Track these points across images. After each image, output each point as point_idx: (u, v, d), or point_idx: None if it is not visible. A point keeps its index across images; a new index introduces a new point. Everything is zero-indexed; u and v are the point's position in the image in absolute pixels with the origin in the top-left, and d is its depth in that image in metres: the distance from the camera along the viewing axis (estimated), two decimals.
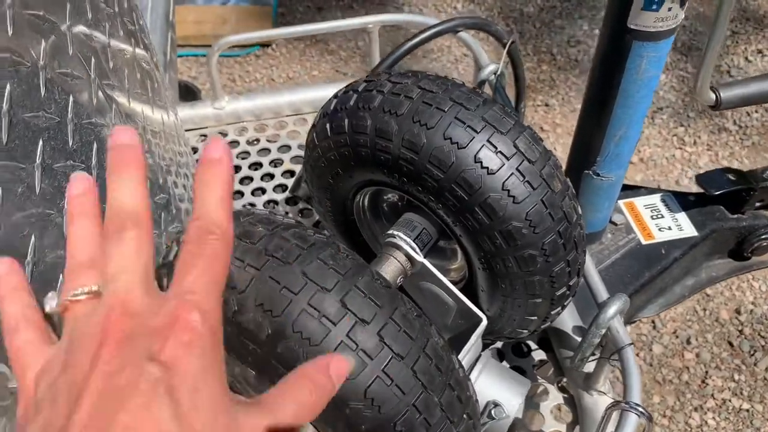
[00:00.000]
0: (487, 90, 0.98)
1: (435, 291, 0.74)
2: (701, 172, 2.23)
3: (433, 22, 1.05)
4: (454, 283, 0.78)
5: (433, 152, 0.61)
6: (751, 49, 2.77)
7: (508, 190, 0.60)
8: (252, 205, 1.04)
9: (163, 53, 1.29)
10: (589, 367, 0.75)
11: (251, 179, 1.08)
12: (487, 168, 0.60)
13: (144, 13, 1.37)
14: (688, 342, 1.81)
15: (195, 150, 1.13)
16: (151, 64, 0.82)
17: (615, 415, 0.64)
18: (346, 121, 0.67)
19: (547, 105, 2.53)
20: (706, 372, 1.75)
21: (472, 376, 0.70)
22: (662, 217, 1.00)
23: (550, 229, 0.61)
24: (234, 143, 1.14)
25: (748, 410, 1.68)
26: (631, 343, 0.67)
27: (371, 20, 1.09)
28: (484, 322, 0.71)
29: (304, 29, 1.10)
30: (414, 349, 0.50)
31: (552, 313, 0.70)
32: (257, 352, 0.50)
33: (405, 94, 0.64)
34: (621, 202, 1.01)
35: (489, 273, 0.67)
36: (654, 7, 0.65)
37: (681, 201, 1.02)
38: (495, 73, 0.96)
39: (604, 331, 0.68)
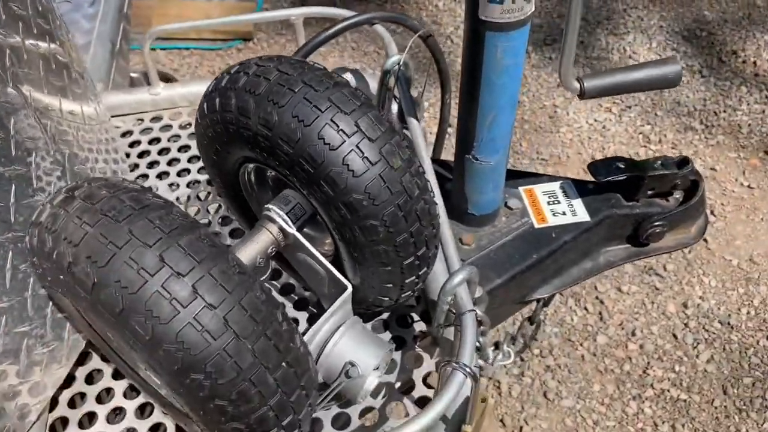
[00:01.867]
0: (392, 79, 1.03)
1: (309, 262, 0.80)
2: None
3: (351, 14, 1.11)
4: (327, 254, 0.84)
5: (282, 129, 0.67)
6: (726, 50, 2.79)
7: (348, 165, 0.66)
8: (177, 185, 1.10)
9: (111, 42, 1.36)
10: (449, 334, 0.80)
11: (178, 161, 1.14)
12: (329, 144, 0.66)
13: (97, 4, 1.44)
14: (633, 333, 1.85)
15: (130, 132, 1.20)
16: (68, 58, 0.89)
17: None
18: (217, 100, 0.73)
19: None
20: (648, 363, 1.80)
21: (334, 338, 0.76)
22: (558, 203, 1.05)
23: (389, 202, 0.67)
24: (167, 127, 1.20)
25: (685, 400, 1.72)
26: (473, 310, 0.73)
27: (295, 12, 1.15)
28: (349, 289, 0.77)
29: (231, 20, 1.16)
30: (228, 300, 0.56)
31: (407, 281, 0.76)
32: (87, 299, 0.57)
33: (264, 75, 0.70)
34: (521, 189, 1.07)
35: (343, 243, 0.73)
36: (498, 0, 0.71)
37: (579, 188, 1.07)
38: (398, 64, 1.01)
39: (450, 298, 0.73)
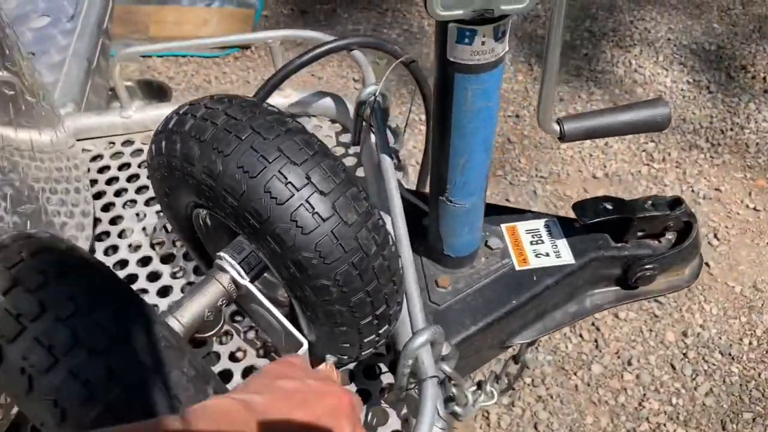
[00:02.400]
0: (367, 111, 0.98)
1: (264, 314, 0.75)
2: (665, 189, 2.20)
3: (329, 38, 1.06)
4: (285, 304, 0.79)
5: (227, 180, 0.62)
6: (735, 65, 2.72)
7: (296, 221, 0.61)
8: (144, 214, 1.06)
9: (88, 60, 1.31)
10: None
11: (147, 188, 1.09)
12: (276, 198, 0.61)
13: (76, 19, 1.40)
14: (630, 363, 1.79)
15: (101, 156, 1.15)
16: (17, 89, 0.84)
17: None
18: (163, 143, 0.69)
19: (517, 116, 2.52)
20: (644, 394, 1.73)
21: None
22: (542, 242, 0.99)
23: (342, 261, 0.62)
24: (138, 151, 1.16)
25: None
26: (435, 376, 0.67)
27: (272, 35, 1.10)
28: (305, 346, 0.72)
29: (197, 42, 1.11)
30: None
31: (365, 341, 0.70)
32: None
33: (212, 119, 0.65)
34: (503, 226, 1.01)
35: (296, 300, 0.68)
36: (466, 41, 0.65)
37: (565, 227, 1.01)
38: (374, 95, 0.96)
39: (411, 361, 0.68)
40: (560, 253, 0.98)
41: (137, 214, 1.07)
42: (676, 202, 0.97)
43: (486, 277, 0.95)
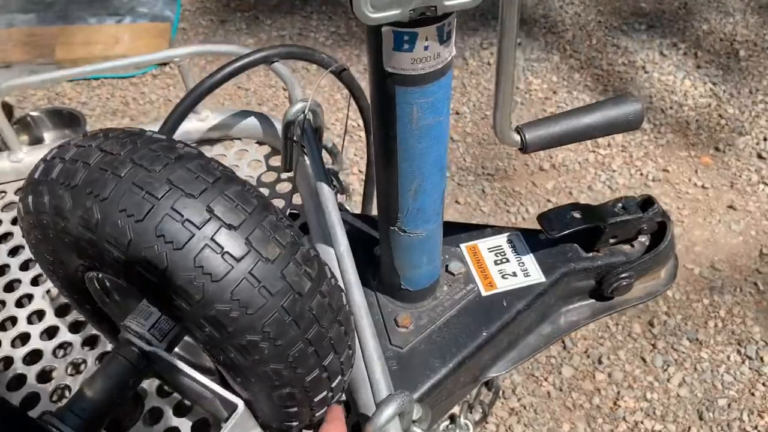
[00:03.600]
0: (297, 131, 0.85)
1: (188, 383, 0.62)
2: (614, 175, 2.15)
3: (245, 51, 0.93)
4: (212, 372, 0.66)
5: (107, 229, 0.50)
6: (666, 43, 2.71)
7: (202, 267, 0.48)
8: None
9: None
10: None
11: None
12: (173, 242, 0.48)
13: None
14: (600, 361, 1.72)
15: None
16: None
17: None
18: (30, 198, 0.55)
19: (457, 113, 2.43)
20: (618, 393, 1.67)
21: None
22: (507, 261, 0.89)
23: (269, 307, 0.50)
24: None
25: None
26: None
27: (179, 53, 0.96)
28: (240, 407, 0.59)
29: (94, 68, 0.96)
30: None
31: (317, 400, 0.58)
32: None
33: (83, 159, 0.52)
34: (463, 246, 0.90)
35: (221, 365, 0.55)
36: (406, 47, 0.54)
37: (530, 241, 0.91)
38: (303, 113, 0.83)
39: None
40: (528, 271, 0.88)
41: (39, 276, 0.91)
42: (647, 202, 0.88)
43: (450, 308, 0.84)
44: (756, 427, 1.58)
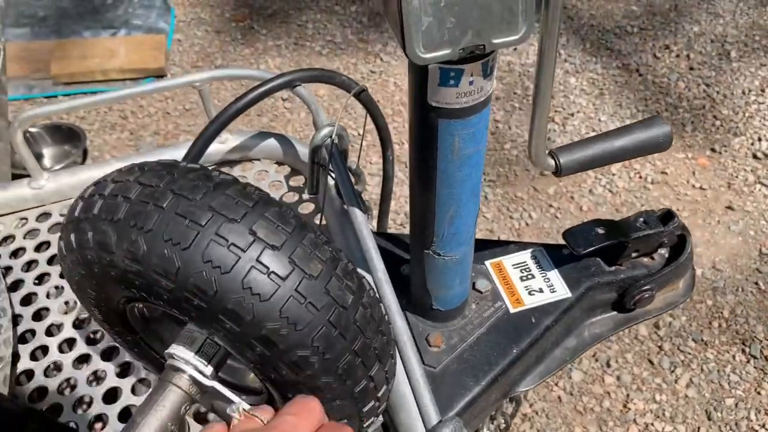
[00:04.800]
0: (324, 154, 0.86)
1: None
2: (613, 179, 2.18)
3: (268, 76, 0.93)
4: (256, 392, 0.67)
5: (155, 260, 0.51)
6: (659, 45, 2.75)
7: (251, 288, 0.50)
8: (74, 302, 0.90)
9: None
10: None
11: None
12: (220, 267, 0.50)
13: None
14: (608, 365, 1.74)
15: (12, 237, 0.98)
16: None
17: None
18: (73, 236, 0.56)
19: None
20: (628, 395, 1.69)
21: None
22: (533, 277, 0.90)
23: (317, 322, 0.51)
24: (59, 225, 0.99)
25: None
26: None
27: (198, 78, 0.96)
28: None
29: (118, 95, 0.97)
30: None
31: (366, 410, 0.60)
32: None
33: (123, 194, 0.53)
34: (488, 263, 0.92)
35: (272, 385, 0.56)
36: (452, 82, 0.55)
37: (553, 256, 0.92)
38: (330, 137, 0.84)
39: None
40: (554, 287, 0.89)
41: (66, 303, 0.91)
42: (668, 216, 0.90)
43: (480, 326, 0.85)
44: (764, 426, 1.61)
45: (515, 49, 2.73)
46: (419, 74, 0.56)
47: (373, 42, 2.81)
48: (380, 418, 0.63)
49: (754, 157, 2.27)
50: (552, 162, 0.68)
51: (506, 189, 2.20)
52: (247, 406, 0.50)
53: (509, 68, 2.65)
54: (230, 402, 0.62)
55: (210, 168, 0.57)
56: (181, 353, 0.61)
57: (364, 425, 0.62)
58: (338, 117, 0.84)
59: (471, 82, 0.55)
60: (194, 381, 0.61)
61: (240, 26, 2.92)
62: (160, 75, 2.65)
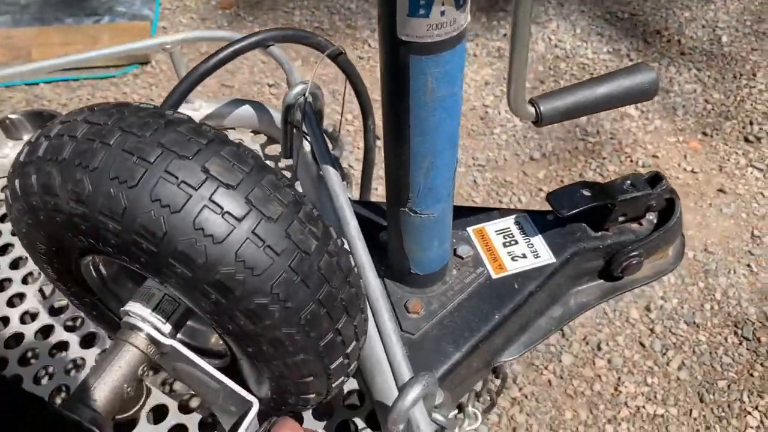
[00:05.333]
0: (298, 115, 0.82)
1: (196, 374, 0.59)
2: (604, 162, 2.15)
3: (238, 36, 0.90)
4: (219, 356, 0.63)
5: (100, 200, 0.47)
6: (650, 30, 2.72)
7: (202, 229, 0.46)
8: (39, 274, 0.86)
9: None
10: None
11: None
12: (169, 206, 0.46)
13: None
14: (599, 348, 1.71)
15: None
16: None
17: None
18: (17, 182, 0.52)
19: None
20: (619, 378, 1.66)
21: None
22: (516, 243, 0.87)
23: (276, 267, 0.47)
24: None
25: (662, 415, 1.59)
26: None
27: (170, 39, 0.93)
28: (255, 407, 0.56)
29: (77, 58, 0.93)
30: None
31: (333, 385, 0.56)
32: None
33: (69, 133, 0.49)
34: (470, 230, 0.88)
35: (245, 356, 0.52)
36: (421, 12, 0.51)
37: (537, 222, 0.89)
38: (303, 95, 0.81)
39: (402, 426, 0.53)
40: (538, 253, 0.86)
41: (30, 274, 0.87)
42: (656, 178, 0.87)
43: (461, 292, 0.82)
44: (756, 407, 1.59)
45: (504, 35, 2.70)
46: (388, 4, 0.53)
47: (361, 28, 2.77)
48: (349, 378, 0.59)
49: (746, 140, 2.25)
50: (532, 110, 0.65)
51: (495, 173, 2.17)
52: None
53: (499, 53, 2.62)
54: (193, 364, 0.58)
55: (164, 108, 0.53)
56: (137, 310, 0.57)
57: (333, 384, 0.58)
58: (312, 75, 0.80)
59: (443, 13, 0.52)
60: (152, 340, 0.57)
61: (226, 14, 2.88)
62: (144, 62, 2.61)
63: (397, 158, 0.65)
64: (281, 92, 2.47)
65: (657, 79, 0.67)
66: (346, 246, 0.57)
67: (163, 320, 0.57)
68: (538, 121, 0.65)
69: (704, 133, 2.29)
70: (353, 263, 0.56)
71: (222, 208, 0.46)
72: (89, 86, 2.52)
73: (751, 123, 2.30)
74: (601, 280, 0.92)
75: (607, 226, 0.88)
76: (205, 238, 0.45)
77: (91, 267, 0.61)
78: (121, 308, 0.58)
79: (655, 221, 0.91)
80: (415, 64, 0.55)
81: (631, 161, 2.19)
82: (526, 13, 0.58)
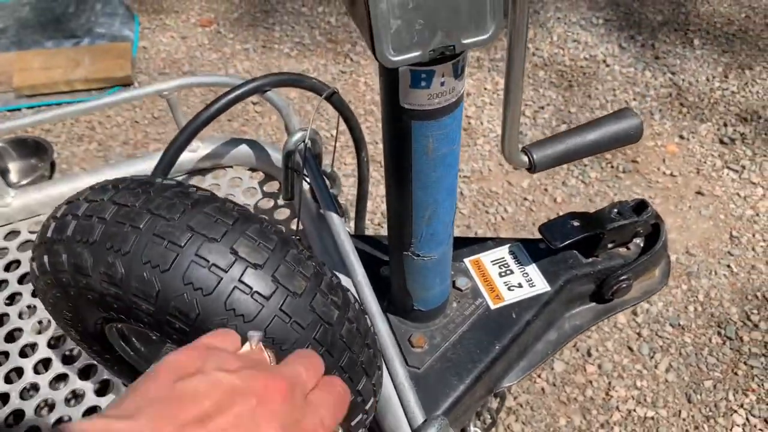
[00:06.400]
0: (298, 158, 0.85)
1: None
2: (585, 169, 2.20)
3: (237, 82, 0.92)
4: None
5: (134, 283, 0.50)
6: (624, 35, 2.78)
7: (234, 309, 0.49)
8: (48, 321, 0.88)
9: None
10: None
11: None
12: (202, 288, 0.48)
13: None
14: (589, 354, 1.76)
15: None
16: None
17: None
18: (46, 258, 0.55)
19: None
20: (609, 383, 1.71)
21: None
22: (511, 272, 0.91)
23: (302, 341, 0.51)
24: (29, 242, 0.97)
25: (653, 418, 1.64)
26: None
27: (166, 87, 0.95)
28: None
29: (72, 110, 0.95)
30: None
31: (354, 424, 0.59)
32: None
33: (98, 215, 0.52)
34: (467, 261, 0.92)
35: None
36: (423, 84, 0.55)
37: (531, 251, 0.93)
38: (303, 142, 0.84)
39: None
40: (533, 282, 0.90)
41: (39, 322, 0.89)
42: (641, 205, 0.91)
43: (462, 324, 0.85)
44: (742, 405, 1.65)
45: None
46: (390, 77, 0.56)
47: (342, 42, 2.80)
48: (367, 428, 0.62)
49: (721, 142, 2.32)
50: (525, 159, 0.68)
51: (481, 184, 2.21)
52: (261, 337, 0.46)
53: (479, 64, 2.67)
54: None
55: (187, 185, 0.56)
56: None
57: (353, 424, 0.61)
58: (310, 121, 0.83)
59: (442, 83, 0.55)
60: None
61: (206, 31, 2.88)
62: (126, 84, 2.61)
63: (400, 208, 0.69)
64: (265, 110, 2.49)
65: (641, 125, 0.71)
66: (361, 307, 0.60)
67: None
68: (532, 168, 0.69)
69: (681, 137, 2.35)
70: (369, 322, 0.59)
71: (251, 288, 0.49)
72: None
73: (725, 125, 2.37)
74: (593, 303, 0.97)
75: (597, 252, 0.92)
76: (237, 317, 0.48)
77: (115, 330, 0.63)
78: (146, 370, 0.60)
79: (642, 245, 0.95)
80: (417, 129, 0.58)
81: (612, 167, 2.25)
82: (519, 70, 0.61)
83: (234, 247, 0.49)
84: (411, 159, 0.62)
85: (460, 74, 0.56)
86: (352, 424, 0.59)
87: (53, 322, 0.87)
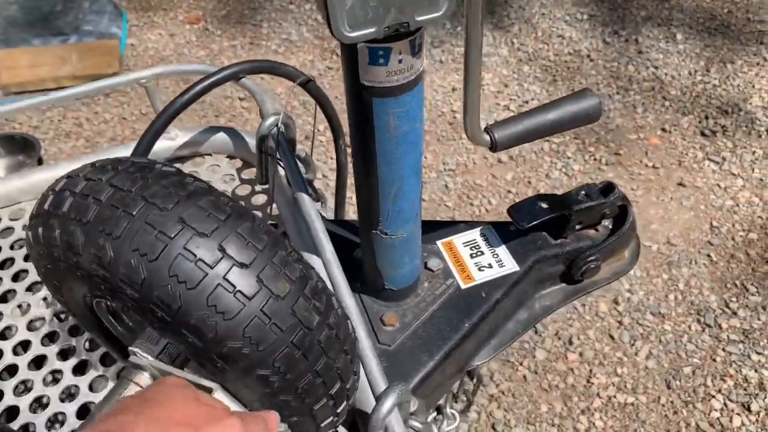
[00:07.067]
0: (271, 143, 0.87)
1: None
2: (569, 162, 2.23)
3: (213, 69, 0.94)
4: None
5: (121, 268, 0.51)
6: (608, 30, 2.81)
7: (215, 306, 0.50)
8: (27, 305, 0.90)
9: None
10: None
11: (27, 272, 0.93)
12: (186, 282, 0.50)
13: None
14: (571, 342, 1.79)
15: None
16: None
17: None
18: (40, 230, 0.56)
19: None
20: (591, 371, 1.74)
21: None
22: (482, 254, 0.93)
23: (279, 343, 0.52)
24: (7, 230, 0.99)
25: (632, 404, 1.67)
26: None
27: (144, 75, 0.97)
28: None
29: (51, 98, 0.96)
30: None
31: (323, 425, 0.61)
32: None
33: (94, 195, 0.53)
34: (439, 243, 0.94)
35: (230, 395, 0.57)
36: (381, 61, 0.57)
37: (501, 233, 0.95)
38: (276, 125, 0.86)
39: None
40: (503, 262, 0.92)
41: (19, 306, 0.90)
42: (608, 187, 0.93)
43: (433, 303, 0.88)
44: (720, 391, 1.67)
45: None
46: (349, 54, 0.58)
47: (329, 38, 2.82)
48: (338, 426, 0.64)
49: (702, 134, 2.35)
50: (487, 138, 0.71)
51: (466, 177, 2.24)
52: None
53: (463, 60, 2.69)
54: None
55: (186, 175, 0.56)
56: (144, 351, 0.61)
57: (324, 424, 0.63)
58: (284, 105, 0.85)
59: (400, 61, 0.57)
60: (154, 380, 0.61)
61: (194, 29, 2.90)
62: None
63: (366, 186, 0.71)
64: (252, 105, 2.51)
65: (600, 104, 0.73)
66: (345, 312, 0.61)
67: (168, 362, 0.61)
68: (494, 147, 0.72)
69: (663, 129, 2.38)
70: (351, 328, 0.61)
71: (235, 286, 0.50)
72: (60, 107, 2.53)
73: (706, 117, 2.40)
74: (563, 284, 0.99)
75: (566, 234, 0.94)
76: (217, 314, 0.49)
77: (103, 306, 0.64)
78: (129, 347, 0.62)
79: (610, 227, 0.98)
80: (377, 106, 0.61)
81: (595, 159, 2.27)
82: (477, 48, 0.63)
83: (222, 244, 0.50)
84: (374, 136, 0.64)
85: (417, 52, 0.58)
86: (322, 425, 0.61)
87: (47, 318, 0.89)
